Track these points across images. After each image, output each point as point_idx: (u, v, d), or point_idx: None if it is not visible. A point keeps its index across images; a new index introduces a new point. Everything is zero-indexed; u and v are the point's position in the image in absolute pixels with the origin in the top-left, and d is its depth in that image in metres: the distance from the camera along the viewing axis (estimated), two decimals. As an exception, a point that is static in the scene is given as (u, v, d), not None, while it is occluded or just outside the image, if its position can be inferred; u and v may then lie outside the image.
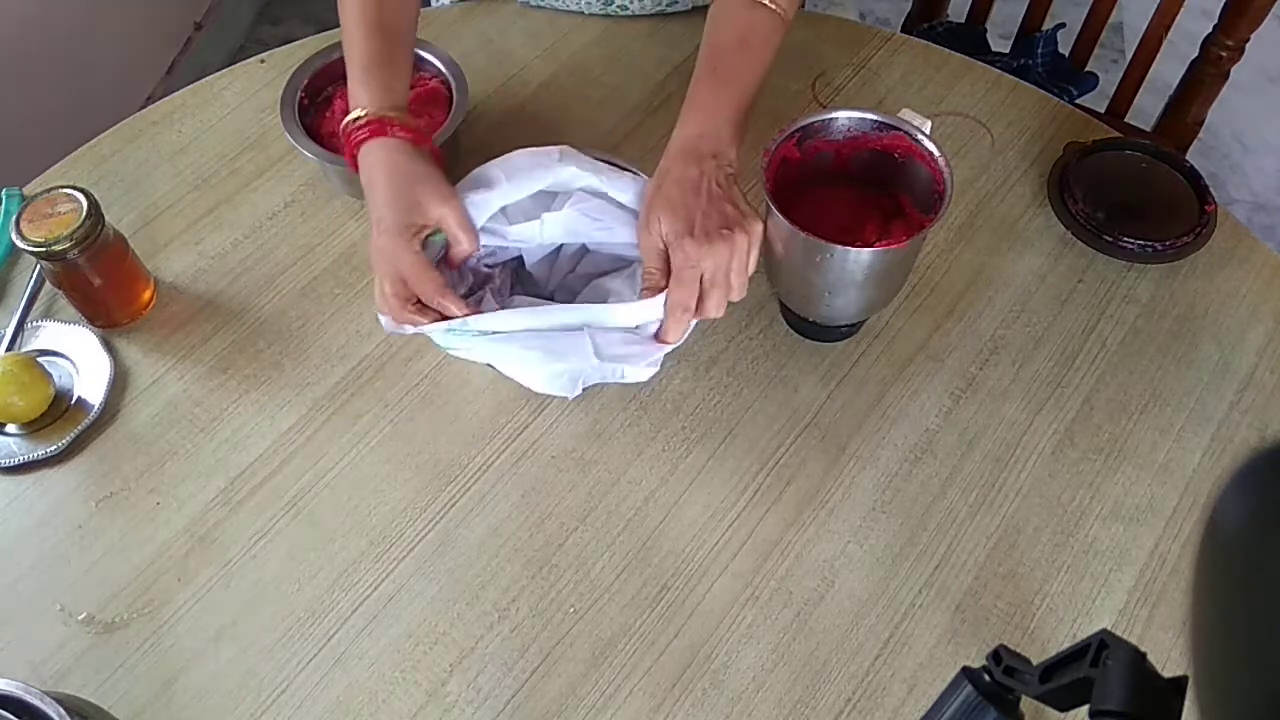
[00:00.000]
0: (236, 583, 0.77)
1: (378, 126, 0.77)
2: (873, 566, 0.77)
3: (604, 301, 0.77)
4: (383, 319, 0.76)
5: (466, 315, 0.72)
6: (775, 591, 0.76)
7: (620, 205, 0.79)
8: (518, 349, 0.73)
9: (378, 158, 0.77)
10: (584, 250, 0.83)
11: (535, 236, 0.79)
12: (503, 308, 0.76)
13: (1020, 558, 0.77)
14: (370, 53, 0.80)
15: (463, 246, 0.76)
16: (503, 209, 0.79)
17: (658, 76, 1.05)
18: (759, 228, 0.74)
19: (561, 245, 0.82)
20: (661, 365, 0.77)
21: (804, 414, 0.84)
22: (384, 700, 0.72)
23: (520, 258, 0.83)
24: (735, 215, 0.73)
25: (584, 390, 0.79)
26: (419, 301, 0.74)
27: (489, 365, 0.78)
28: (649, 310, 0.74)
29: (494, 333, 0.73)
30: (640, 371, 0.76)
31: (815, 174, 0.81)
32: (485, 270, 0.82)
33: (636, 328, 0.75)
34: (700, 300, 0.73)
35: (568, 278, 0.83)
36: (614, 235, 0.79)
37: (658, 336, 0.75)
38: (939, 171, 0.76)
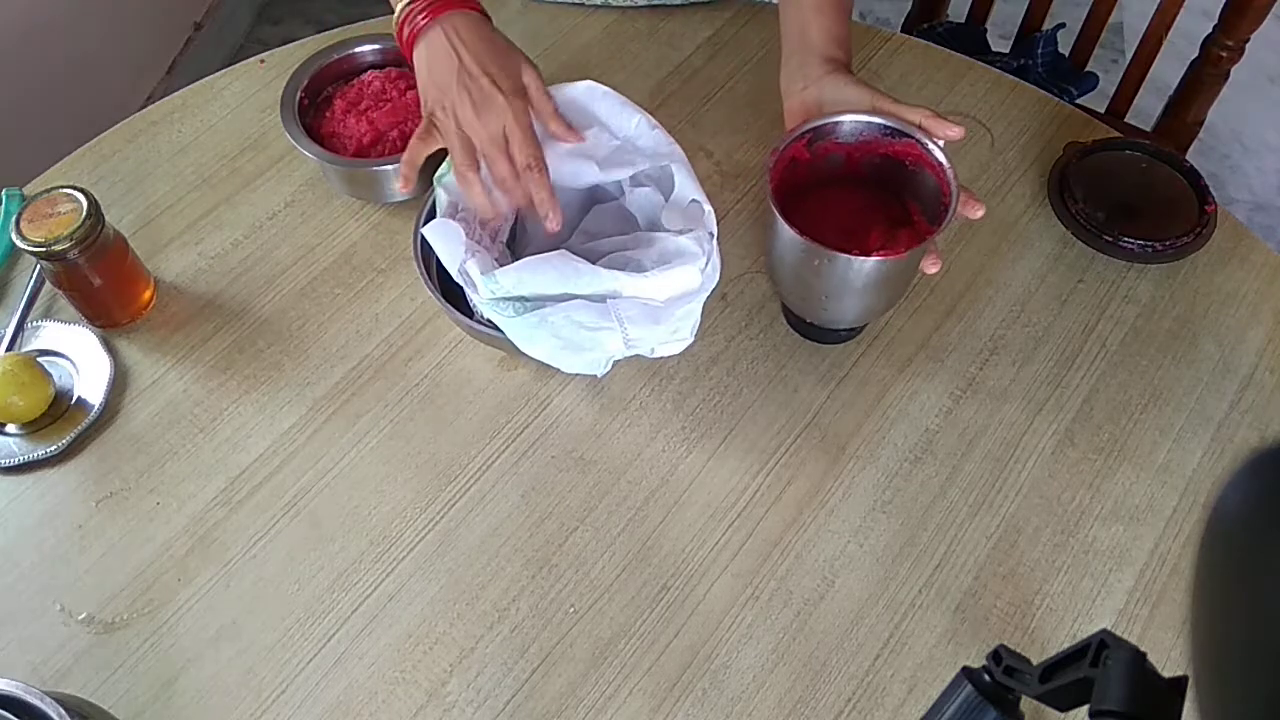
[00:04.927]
0: (236, 583, 0.77)
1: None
2: (873, 566, 0.77)
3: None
4: (438, 234, 0.75)
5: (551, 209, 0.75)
6: (775, 591, 0.76)
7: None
8: (547, 339, 0.73)
9: (462, 24, 0.78)
10: (585, 204, 0.82)
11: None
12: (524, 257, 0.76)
13: (1020, 558, 0.77)
14: None
15: (549, 106, 0.78)
16: None
17: (658, 75, 1.05)
18: None
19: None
20: (688, 345, 0.77)
21: (804, 414, 0.84)
22: (384, 700, 0.72)
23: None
24: None
25: (608, 369, 0.78)
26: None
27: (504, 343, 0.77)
28: (680, 280, 0.73)
29: (526, 300, 0.73)
30: (671, 346, 0.76)
31: (826, 175, 0.81)
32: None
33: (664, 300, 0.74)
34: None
35: (573, 240, 0.82)
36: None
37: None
38: (947, 184, 0.76)
